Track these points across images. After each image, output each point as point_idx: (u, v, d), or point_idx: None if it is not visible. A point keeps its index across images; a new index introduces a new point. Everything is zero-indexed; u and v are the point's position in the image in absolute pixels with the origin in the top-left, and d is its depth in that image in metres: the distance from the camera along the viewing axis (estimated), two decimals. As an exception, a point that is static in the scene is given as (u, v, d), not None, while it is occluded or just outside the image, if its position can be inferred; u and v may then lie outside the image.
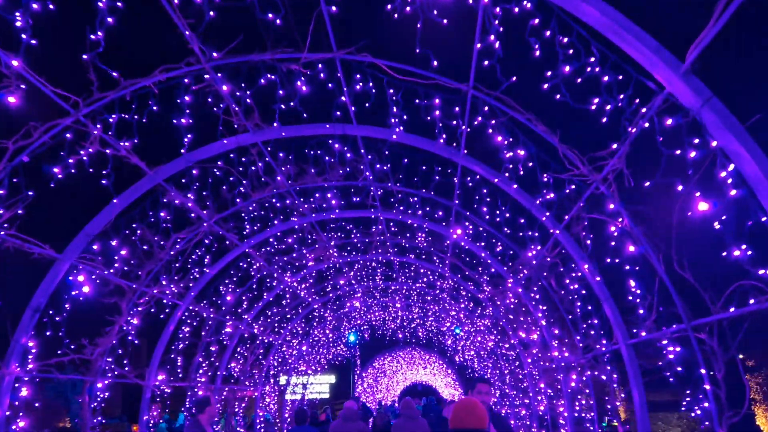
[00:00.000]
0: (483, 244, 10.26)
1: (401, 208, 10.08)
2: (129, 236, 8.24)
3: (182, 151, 7.61)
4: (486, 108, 6.20)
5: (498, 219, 8.22)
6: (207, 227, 9.85)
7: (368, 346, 34.23)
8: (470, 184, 7.98)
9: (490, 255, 10.34)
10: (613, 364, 8.62)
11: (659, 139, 4.66)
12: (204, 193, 8.58)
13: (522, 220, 7.99)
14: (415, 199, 9.92)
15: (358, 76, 6.16)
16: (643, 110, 4.82)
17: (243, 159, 8.21)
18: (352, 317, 21.68)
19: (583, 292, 7.83)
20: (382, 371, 40.80)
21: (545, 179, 6.86)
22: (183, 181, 8.12)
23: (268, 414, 19.15)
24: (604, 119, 5.10)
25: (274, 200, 10.05)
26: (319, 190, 9.95)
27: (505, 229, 8.40)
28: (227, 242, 10.44)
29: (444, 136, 6.53)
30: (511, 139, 6.26)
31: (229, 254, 11.40)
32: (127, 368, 9.51)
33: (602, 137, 5.37)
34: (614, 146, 5.39)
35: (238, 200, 9.03)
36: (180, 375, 11.46)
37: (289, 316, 16.59)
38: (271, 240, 11.35)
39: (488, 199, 8.11)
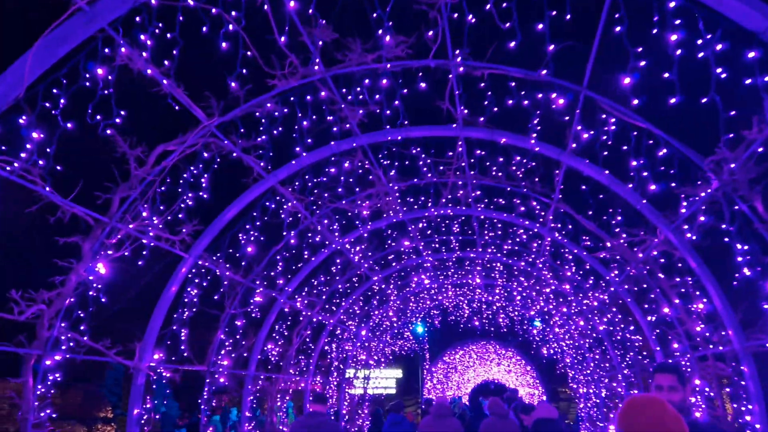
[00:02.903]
0: (628, 157, 6.53)
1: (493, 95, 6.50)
2: (54, 119, 5.13)
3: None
4: None
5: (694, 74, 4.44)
6: (206, 135, 6.69)
7: (438, 338, 30.58)
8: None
9: (645, 173, 6.57)
10: None
11: None
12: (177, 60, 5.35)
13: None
14: (516, 84, 6.34)
15: None
16: None
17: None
18: (420, 298, 18.19)
19: None
20: (452, 366, 37.08)
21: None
22: (139, 34, 4.91)
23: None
24: None
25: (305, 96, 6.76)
26: (368, 75, 6.55)
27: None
28: (236, 158, 7.23)
29: None
30: None
31: (252, 189, 8.23)
32: (86, 338, 6.48)
33: None
34: None
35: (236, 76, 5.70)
36: (185, 355, 8.40)
37: (341, 288, 13.32)
38: (307, 169, 8.04)
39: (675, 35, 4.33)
